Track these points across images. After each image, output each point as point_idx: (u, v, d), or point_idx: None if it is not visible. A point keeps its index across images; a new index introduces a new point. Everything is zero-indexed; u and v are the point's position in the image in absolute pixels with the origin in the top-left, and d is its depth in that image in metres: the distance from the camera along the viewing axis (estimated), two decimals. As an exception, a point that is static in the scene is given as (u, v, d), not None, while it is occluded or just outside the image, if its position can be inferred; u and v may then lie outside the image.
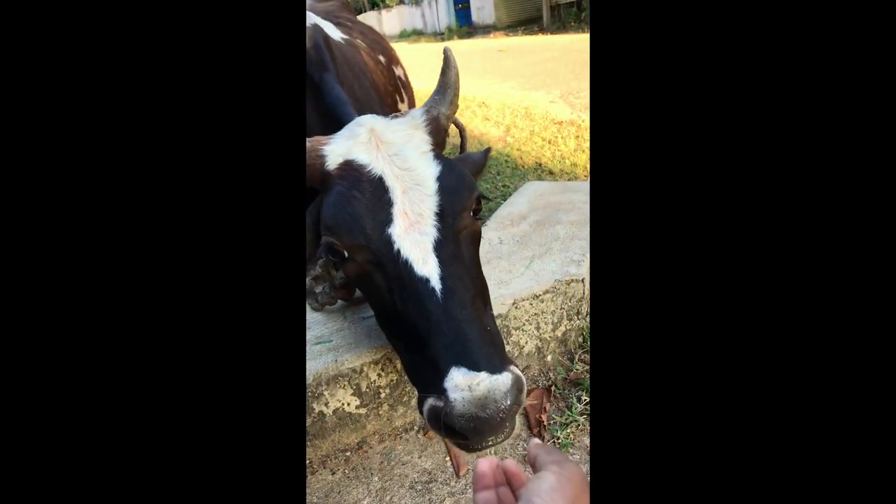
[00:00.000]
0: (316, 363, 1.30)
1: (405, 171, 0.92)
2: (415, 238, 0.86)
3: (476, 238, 0.98)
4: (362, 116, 1.06)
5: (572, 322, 1.60)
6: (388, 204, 0.89)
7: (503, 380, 0.73)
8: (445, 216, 0.90)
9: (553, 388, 1.52)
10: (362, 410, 1.39)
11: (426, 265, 0.84)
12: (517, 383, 0.75)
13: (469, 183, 0.96)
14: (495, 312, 1.40)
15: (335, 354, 1.33)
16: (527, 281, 1.53)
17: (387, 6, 24.38)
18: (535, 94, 5.73)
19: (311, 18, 1.60)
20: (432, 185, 0.91)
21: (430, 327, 0.79)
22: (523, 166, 3.70)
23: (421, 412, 0.79)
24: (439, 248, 0.87)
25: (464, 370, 0.72)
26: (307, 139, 0.99)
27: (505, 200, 2.33)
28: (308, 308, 1.48)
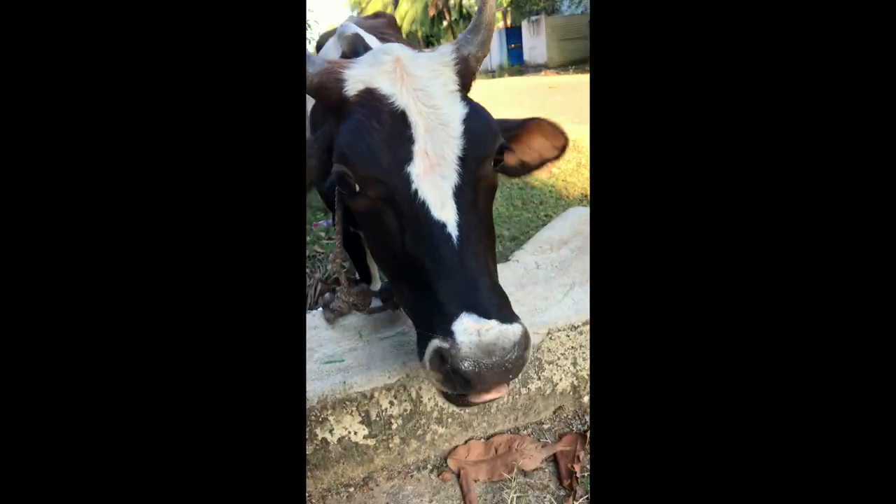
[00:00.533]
0: (322, 384, 1.18)
1: (430, 108, 0.87)
2: (434, 180, 0.83)
3: (493, 190, 0.95)
4: (388, 44, 0.99)
5: (615, 360, 1.41)
6: (410, 141, 0.84)
7: (513, 329, 0.72)
8: (468, 161, 0.85)
9: (589, 434, 1.33)
10: (370, 441, 1.25)
11: (444, 209, 0.81)
12: (525, 337, 0.73)
13: (494, 129, 0.91)
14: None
15: (344, 376, 1.20)
16: (564, 309, 1.36)
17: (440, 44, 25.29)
18: (583, 128, 5.60)
19: (353, 29, 1.57)
20: (457, 127, 0.86)
21: (443, 272, 0.76)
22: (568, 197, 3.56)
23: (420, 354, 0.76)
24: (458, 193, 0.83)
25: (475, 316, 0.71)
26: (327, 60, 0.95)
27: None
28: (322, 323, 1.37)
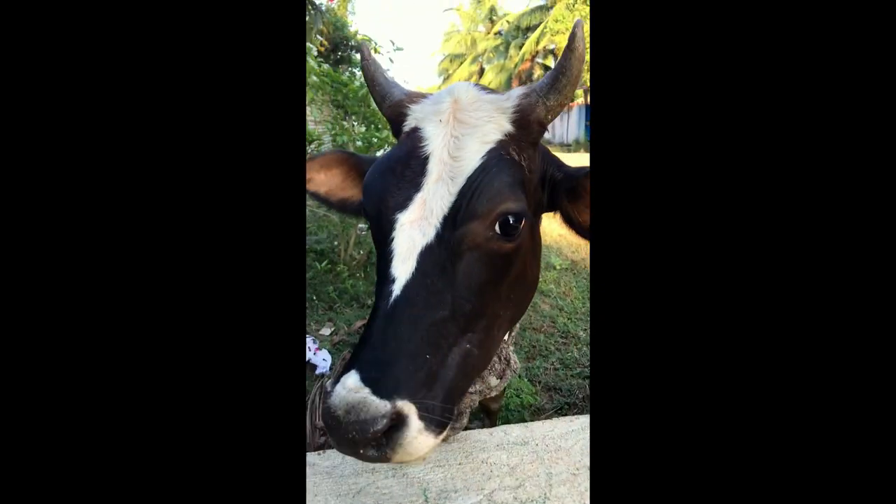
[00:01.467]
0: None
1: (452, 158, 0.83)
2: (412, 233, 0.80)
3: (493, 259, 0.83)
4: (461, 83, 0.97)
5: None
6: (416, 188, 0.82)
7: (379, 405, 0.68)
8: (453, 221, 0.80)
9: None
10: None
11: (402, 265, 0.78)
12: (396, 417, 0.68)
13: (498, 192, 0.81)
14: None
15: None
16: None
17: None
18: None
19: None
20: (460, 182, 0.81)
21: (371, 324, 0.76)
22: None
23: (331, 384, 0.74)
24: (426, 253, 0.78)
25: (358, 377, 0.70)
26: (405, 92, 0.99)
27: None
28: (371, 465, 1.14)
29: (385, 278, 0.78)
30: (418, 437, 0.70)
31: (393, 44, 4.52)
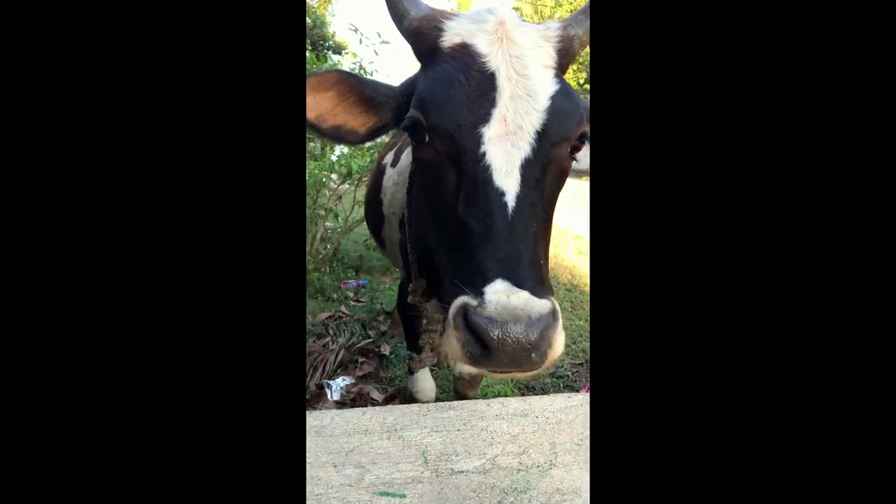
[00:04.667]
0: (375, 530, 0.84)
1: (521, 76, 0.83)
2: (505, 147, 0.80)
3: (564, 176, 0.90)
4: (495, 6, 0.94)
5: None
6: (491, 103, 0.81)
7: (542, 303, 0.68)
8: (545, 138, 0.82)
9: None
10: None
11: (507, 178, 0.78)
12: (553, 317, 0.69)
13: (581, 114, 0.87)
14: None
15: (406, 523, 0.86)
16: None
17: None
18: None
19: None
20: (544, 102, 0.83)
21: (490, 238, 0.74)
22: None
23: (443, 307, 0.75)
24: (527, 166, 0.80)
25: (508, 283, 0.69)
26: (430, 7, 0.94)
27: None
28: (375, 426, 1.06)
29: (487, 190, 0.77)
30: (562, 332, 0.70)
31: (379, 36, 4.45)
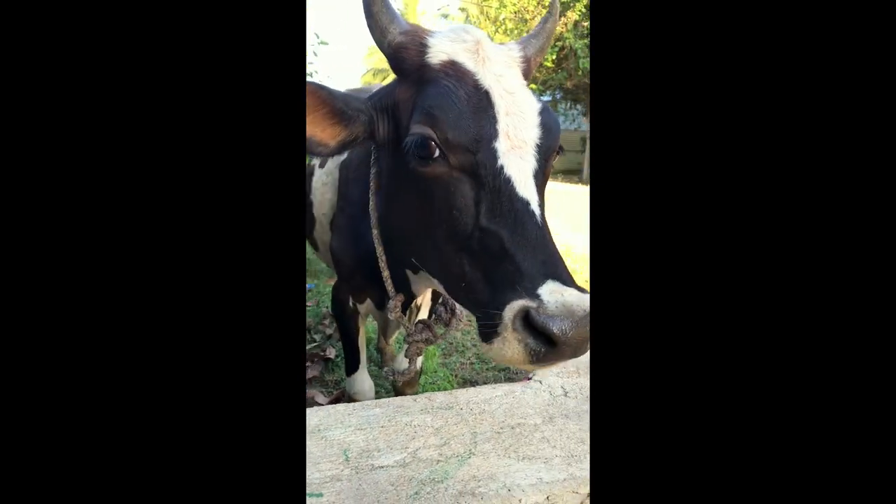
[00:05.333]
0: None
1: (510, 94, 0.89)
2: (517, 160, 0.85)
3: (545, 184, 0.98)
4: (468, 25, 1.00)
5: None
6: (493, 120, 0.86)
7: (586, 296, 0.74)
8: (541, 151, 0.89)
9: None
10: None
11: (526, 189, 0.84)
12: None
13: (559, 127, 0.96)
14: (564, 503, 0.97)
15: (321, 520, 0.88)
16: (607, 461, 1.09)
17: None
18: (577, 236, 5.64)
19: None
20: (535, 117, 0.90)
21: (527, 244, 0.79)
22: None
23: (487, 333, 0.77)
24: (535, 177, 0.87)
25: (558, 283, 0.75)
26: (410, 24, 0.98)
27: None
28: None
29: (513, 201, 0.82)
30: None
31: (318, 37, 4.39)
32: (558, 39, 12.28)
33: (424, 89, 0.90)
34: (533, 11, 11.98)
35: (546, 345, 0.71)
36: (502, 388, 1.38)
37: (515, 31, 12.39)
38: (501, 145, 0.85)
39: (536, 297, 0.73)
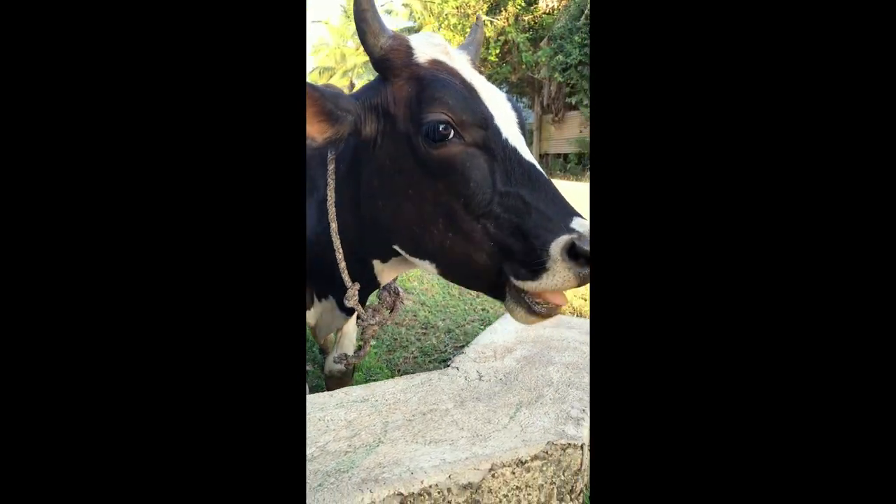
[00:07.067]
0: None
1: (484, 85, 1.04)
2: (516, 132, 1.00)
3: None
4: (433, 33, 1.15)
5: (564, 503, 1.19)
6: (482, 103, 1.00)
7: None
8: (520, 127, 1.04)
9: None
10: None
11: (528, 154, 0.99)
12: None
13: (521, 110, 1.11)
14: (465, 480, 1.02)
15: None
16: (510, 438, 1.15)
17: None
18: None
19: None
20: (507, 102, 1.05)
21: (547, 195, 0.94)
22: (506, 293, 3.47)
23: (540, 256, 0.89)
24: (527, 147, 1.03)
25: (580, 217, 0.91)
26: (394, 32, 1.08)
27: (484, 328, 2.03)
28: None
29: (524, 165, 0.97)
30: None
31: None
32: (501, 34, 12.45)
33: (425, 83, 1.01)
34: (475, 6, 12.09)
35: (588, 266, 0.86)
36: (420, 378, 1.43)
37: (459, 27, 12.47)
38: (500, 122, 0.99)
39: (573, 230, 0.88)
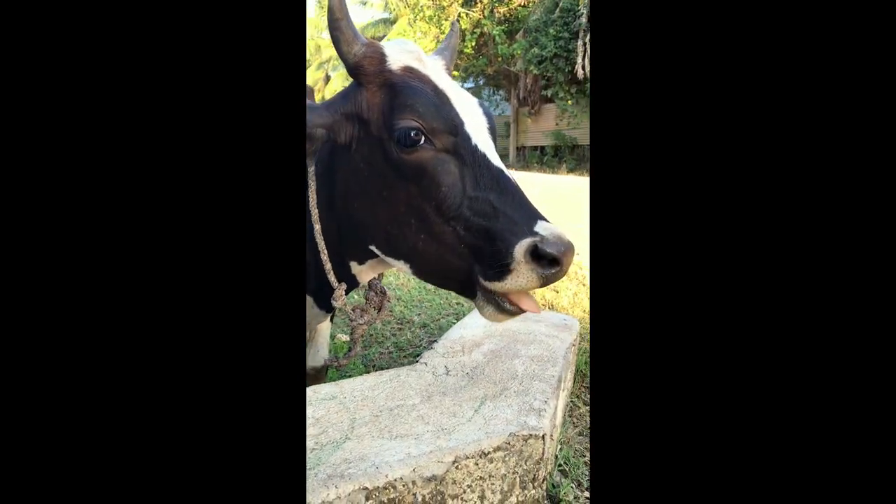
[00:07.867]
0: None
1: (456, 91, 1.07)
2: (485, 139, 1.04)
3: None
4: (405, 39, 1.18)
5: (527, 492, 1.24)
6: (454, 109, 1.03)
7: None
8: (491, 133, 1.08)
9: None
10: None
11: (496, 160, 1.02)
12: None
13: (493, 116, 1.14)
14: (429, 473, 1.05)
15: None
16: (474, 430, 1.19)
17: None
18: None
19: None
20: (478, 108, 1.09)
21: (513, 200, 0.97)
22: (480, 287, 3.51)
23: (505, 258, 0.93)
24: (497, 152, 1.07)
25: (544, 221, 0.95)
26: (368, 40, 1.11)
27: (458, 322, 2.06)
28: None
29: (492, 171, 1.00)
30: None
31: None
32: (476, 26, 12.43)
33: (397, 90, 1.04)
34: (450, -2, 12.05)
35: (550, 266, 0.91)
36: (389, 374, 1.45)
37: (434, 18, 12.41)
38: (470, 128, 1.02)
39: (536, 234, 0.92)
